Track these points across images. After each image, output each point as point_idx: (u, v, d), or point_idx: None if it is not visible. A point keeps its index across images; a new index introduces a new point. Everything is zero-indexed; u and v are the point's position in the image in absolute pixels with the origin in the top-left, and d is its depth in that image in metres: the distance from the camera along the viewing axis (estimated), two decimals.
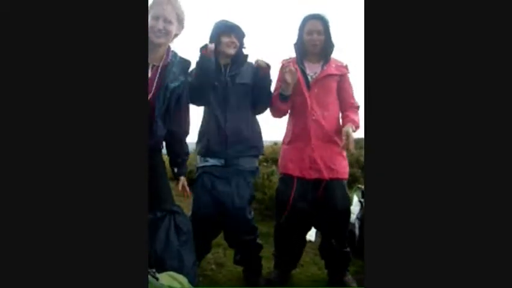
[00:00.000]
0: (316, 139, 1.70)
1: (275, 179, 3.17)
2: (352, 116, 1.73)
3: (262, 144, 1.87)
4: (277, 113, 1.83)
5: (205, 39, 1.73)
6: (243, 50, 1.79)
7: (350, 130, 1.61)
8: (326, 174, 1.71)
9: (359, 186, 2.37)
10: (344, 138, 1.59)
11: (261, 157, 2.20)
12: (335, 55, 1.81)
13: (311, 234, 2.13)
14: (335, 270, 1.82)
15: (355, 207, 2.17)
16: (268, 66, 1.74)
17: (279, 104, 1.75)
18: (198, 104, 1.78)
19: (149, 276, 0.91)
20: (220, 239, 1.92)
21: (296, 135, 1.77)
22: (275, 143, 5.96)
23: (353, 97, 1.81)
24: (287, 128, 1.86)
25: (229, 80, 1.74)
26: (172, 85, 1.42)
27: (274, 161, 3.91)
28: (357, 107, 1.78)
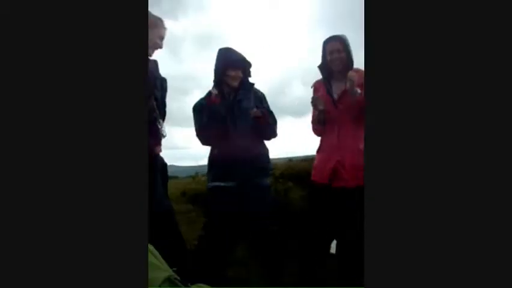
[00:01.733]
0: (345, 153, 1.79)
1: (293, 194, 3.16)
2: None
3: (271, 165, 1.96)
4: (316, 133, 1.97)
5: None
6: (249, 79, 1.88)
7: (353, 73, 1.73)
8: (351, 183, 1.77)
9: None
10: (347, 82, 1.72)
11: (277, 173, 2.28)
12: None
13: (333, 247, 2.11)
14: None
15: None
16: (264, 114, 1.84)
17: (316, 127, 1.92)
18: (210, 145, 1.88)
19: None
20: None
21: (326, 149, 1.88)
22: (290, 159, 5.96)
23: None
24: (320, 143, 1.97)
25: (235, 106, 1.82)
26: None
27: (290, 177, 3.90)
28: None
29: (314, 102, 1.82)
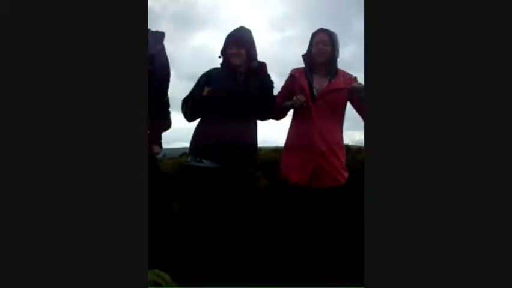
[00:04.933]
0: (319, 151, 1.76)
1: (260, 184, 3.09)
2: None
3: (257, 154, 1.92)
4: (277, 118, 1.93)
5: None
6: (254, 62, 1.83)
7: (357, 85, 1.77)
8: (328, 183, 1.75)
9: None
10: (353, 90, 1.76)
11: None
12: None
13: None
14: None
15: None
16: (261, 66, 1.81)
17: (278, 111, 1.86)
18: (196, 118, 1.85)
19: None
20: None
21: (299, 145, 1.82)
22: (260, 149, 5.77)
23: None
24: (290, 134, 1.92)
25: (239, 88, 1.80)
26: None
27: (259, 168, 3.80)
28: None
29: (296, 103, 1.79)
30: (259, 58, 1.85)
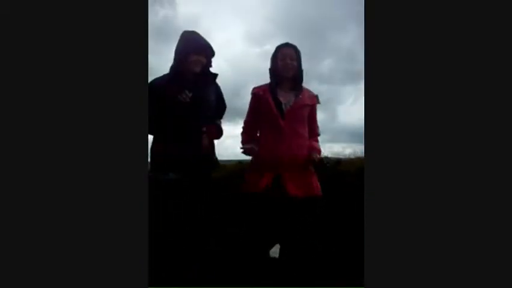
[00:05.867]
0: (290, 168, 1.74)
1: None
2: (315, 145, 1.87)
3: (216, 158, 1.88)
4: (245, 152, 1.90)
5: None
6: (210, 69, 1.79)
7: (316, 156, 1.78)
8: (300, 193, 1.75)
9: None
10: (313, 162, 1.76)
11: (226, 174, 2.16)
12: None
13: (274, 251, 2.10)
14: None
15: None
16: (209, 129, 1.75)
17: (242, 146, 1.83)
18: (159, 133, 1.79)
19: None
20: None
21: (267, 162, 1.78)
22: (240, 162, 5.63)
23: (317, 126, 1.94)
24: (259, 153, 1.84)
25: (194, 96, 1.70)
26: None
27: (238, 177, 3.77)
28: (318, 135, 1.94)
29: (248, 151, 1.78)
30: (239, 70, 1.84)
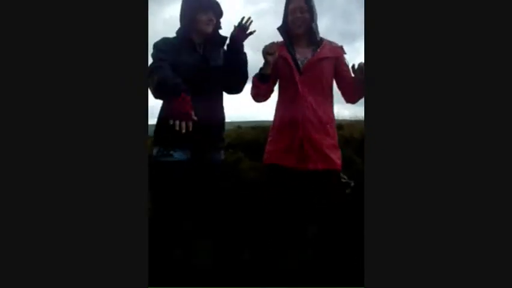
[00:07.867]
0: (309, 128, 1.57)
1: (243, 165, 2.87)
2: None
3: (223, 136, 1.69)
4: (257, 97, 1.68)
5: None
6: (219, 31, 1.61)
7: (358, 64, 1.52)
8: (319, 165, 1.57)
9: None
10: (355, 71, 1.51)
11: (226, 143, 1.82)
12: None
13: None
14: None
15: None
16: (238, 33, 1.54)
17: (258, 84, 1.62)
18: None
19: None
20: None
21: (286, 123, 1.62)
22: (239, 127, 5.15)
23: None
24: (276, 116, 1.70)
25: (203, 62, 1.54)
26: None
27: (241, 148, 3.43)
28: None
29: (267, 49, 1.54)
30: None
